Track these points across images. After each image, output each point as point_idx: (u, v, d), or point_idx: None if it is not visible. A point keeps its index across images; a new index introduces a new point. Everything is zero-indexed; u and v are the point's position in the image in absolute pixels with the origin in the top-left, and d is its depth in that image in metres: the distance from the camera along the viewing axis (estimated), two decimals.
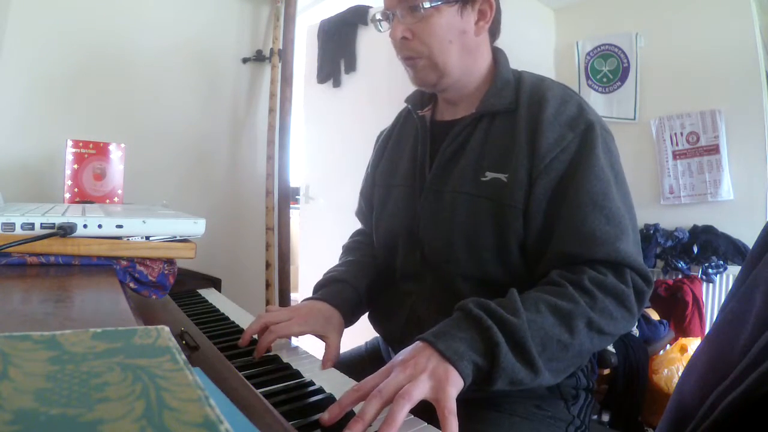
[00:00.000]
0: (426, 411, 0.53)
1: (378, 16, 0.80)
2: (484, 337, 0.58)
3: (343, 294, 0.83)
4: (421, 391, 0.51)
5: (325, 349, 0.74)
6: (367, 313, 0.92)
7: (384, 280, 0.92)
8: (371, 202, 0.96)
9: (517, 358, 0.58)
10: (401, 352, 0.59)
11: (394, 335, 0.84)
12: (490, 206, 0.72)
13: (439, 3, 0.74)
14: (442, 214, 0.77)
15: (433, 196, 0.79)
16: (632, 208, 0.71)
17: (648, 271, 0.68)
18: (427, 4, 0.73)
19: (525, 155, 0.71)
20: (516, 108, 0.75)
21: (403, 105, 0.96)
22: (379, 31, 0.83)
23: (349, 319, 0.83)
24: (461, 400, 0.69)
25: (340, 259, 0.97)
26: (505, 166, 0.72)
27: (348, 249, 1.00)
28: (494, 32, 0.82)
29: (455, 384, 0.53)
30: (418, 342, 0.58)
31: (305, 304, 0.80)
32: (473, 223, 0.73)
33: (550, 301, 0.62)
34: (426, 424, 0.53)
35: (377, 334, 0.95)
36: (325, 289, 0.84)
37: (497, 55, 0.83)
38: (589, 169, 0.68)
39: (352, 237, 1.05)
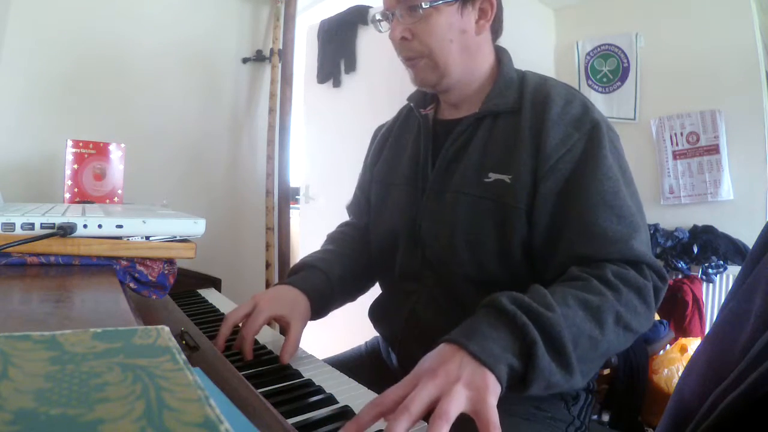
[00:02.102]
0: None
1: (378, 17, 0.80)
2: (520, 335, 0.53)
3: (312, 280, 0.81)
4: (458, 405, 0.45)
5: (285, 339, 0.71)
6: (367, 313, 0.93)
7: (372, 276, 0.92)
8: (368, 197, 0.95)
9: (552, 358, 0.53)
10: (425, 357, 0.52)
11: (394, 335, 0.84)
12: (493, 207, 0.71)
13: (439, 2, 0.73)
14: (443, 215, 0.76)
15: (435, 196, 0.78)
16: (641, 208, 0.70)
17: (662, 269, 0.66)
18: (426, 4, 0.72)
19: (529, 155, 0.70)
20: (519, 108, 0.74)
21: (404, 104, 0.95)
22: (379, 31, 0.82)
23: (318, 307, 0.80)
24: None
25: (321, 247, 0.95)
26: (509, 167, 0.71)
27: (331, 238, 0.98)
28: (496, 31, 0.81)
29: (495, 391, 0.48)
30: (444, 345, 0.52)
31: (271, 289, 0.79)
32: (475, 224, 0.73)
33: (579, 295, 0.58)
34: (426, 423, 0.53)
35: (377, 334, 0.95)
36: (296, 275, 0.82)
37: (500, 55, 0.82)
38: (598, 168, 0.67)
39: (338, 227, 1.02)
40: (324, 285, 0.82)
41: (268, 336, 0.81)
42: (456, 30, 0.75)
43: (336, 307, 0.87)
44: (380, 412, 0.47)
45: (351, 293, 0.91)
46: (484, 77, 0.80)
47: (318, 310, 0.81)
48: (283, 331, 0.75)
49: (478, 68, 0.80)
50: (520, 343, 0.52)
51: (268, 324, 0.73)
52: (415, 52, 0.76)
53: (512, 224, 0.70)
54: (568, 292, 0.58)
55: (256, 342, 0.76)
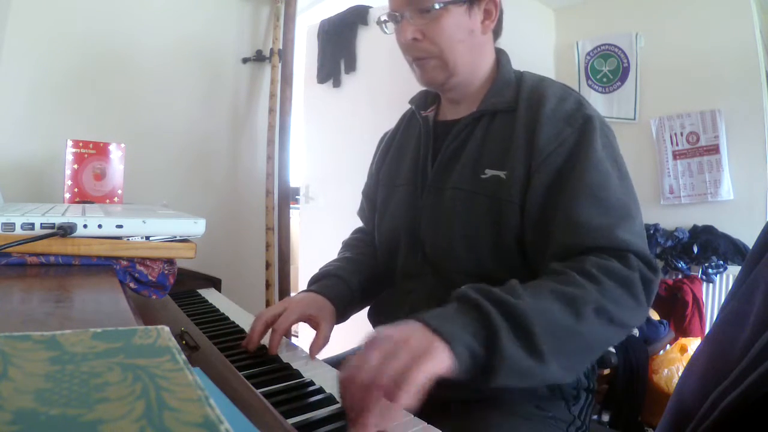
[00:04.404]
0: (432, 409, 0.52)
1: (384, 18, 0.80)
2: (483, 321, 0.53)
3: (336, 289, 0.84)
4: (390, 372, 0.46)
5: (315, 336, 0.75)
6: (366, 314, 0.93)
7: (384, 279, 0.93)
8: (373, 202, 0.97)
9: (520, 344, 0.53)
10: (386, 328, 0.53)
11: None
12: (489, 203, 0.73)
13: (449, 3, 0.74)
14: (442, 212, 0.78)
15: (434, 194, 0.80)
16: (637, 202, 0.69)
17: (653, 259, 0.65)
18: (437, 5, 0.74)
19: (523, 151, 0.71)
20: (516, 107, 0.75)
21: (404, 104, 0.96)
22: (385, 32, 0.83)
23: (341, 315, 0.84)
24: (461, 399, 0.69)
25: (338, 254, 0.98)
26: (504, 163, 0.73)
27: (346, 245, 1.02)
28: (497, 32, 0.84)
29: (436, 361, 0.48)
30: (408, 321, 0.53)
31: (299, 294, 0.83)
32: (472, 220, 0.74)
33: (554, 288, 0.58)
34: (426, 423, 0.53)
35: None
36: (319, 282, 0.86)
37: (499, 55, 0.84)
38: (587, 161, 0.68)
39: (352, 233, 1.06)
40: (346, 292, 0.85)
41: (267, 336, 0.81)
42: (465, 30, 0.77)
43: (356, 312, 0.90)
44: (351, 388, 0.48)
45: (370, 297, 0.94)
46: (485, 77, 0.82)
47: (340, 316, 0.84)
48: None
49: (481, 68, 0.81)
50: (484, 330, 0.53)
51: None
52: (425, 53, 0.77)
53: (507, 219, 0.71)
54: (544, 285, 0.59)
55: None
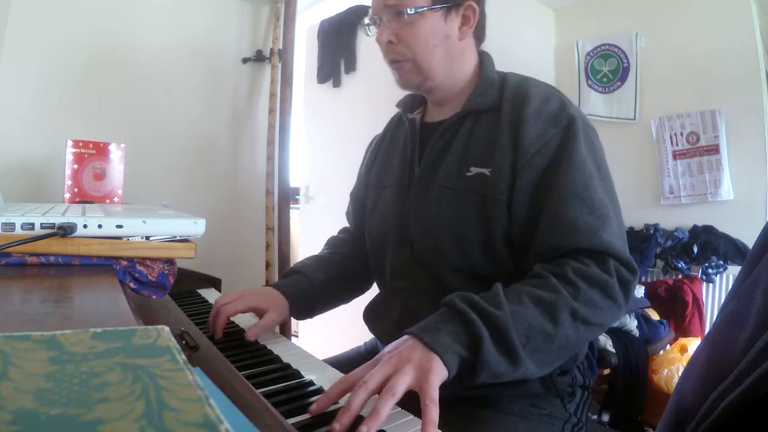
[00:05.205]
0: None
1: (366, 21, 0.84)
2: (468, 330, 0.59)
3: (295, 284, 0.87)
4: (404, 382, 0.52)
5: (258, 322, 0.78)
6: (362, 315, 0.93)
7: (366, 279, 0.97)
8: (360, 204, 0.99)
9: (499, 351, 0.58)
10: (389, 345, 0.60)
11: (389, 332, 0.85)
12: (475, 200, 0.74)
13: (424, 9, 0.76)
14: (429, 210, 0.79)
15: (421, 193, 0.81)
16: (616, 202, 0.72)
17: (632, 261, 0.68)
18: (411, 10, 0.76)
19: (508, 150, 0.72)
20: (500, 106, 0.77)
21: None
22: (368, 35, 0.86)
23: (302, 309, 0.87)
24: (457, 398, 0.70)
25: (320, 251, 1.02)
26: (489, 160, 0.74)
27: (328, 243, 1.05)
28: (479, 36, 0.85)
29: (438, 374, 0.54)
30: (405, 335, 0.60)
31: (256, 287, 0.87)
32: (459, 218, 0.75)
33: (533, 293, 0.62)
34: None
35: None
36: (283, 279, 0.90)
37: (483, 58, 0.86)
38: (571, 161, 0.69)
39: (339, 232, 1.08)
40: (306, 289, 0.88)
41: (268, 336, 0.81)
42: (440, 35, 0.78)
43: (326, 309, 0.93)
44: (345, 388, 0.54)
45: (340, 295, 0.96)
46: (467, 79, 0.84)
47: (302, 312, 0.88)
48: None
49: (461, 71, 0.83)
50: (469, 337, 0.58)
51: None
52: (400, 56, 0.80)
53: (494, 216, 0.72)
54: (524, 290, 0.63)
55: (256, 342, 0.76)
